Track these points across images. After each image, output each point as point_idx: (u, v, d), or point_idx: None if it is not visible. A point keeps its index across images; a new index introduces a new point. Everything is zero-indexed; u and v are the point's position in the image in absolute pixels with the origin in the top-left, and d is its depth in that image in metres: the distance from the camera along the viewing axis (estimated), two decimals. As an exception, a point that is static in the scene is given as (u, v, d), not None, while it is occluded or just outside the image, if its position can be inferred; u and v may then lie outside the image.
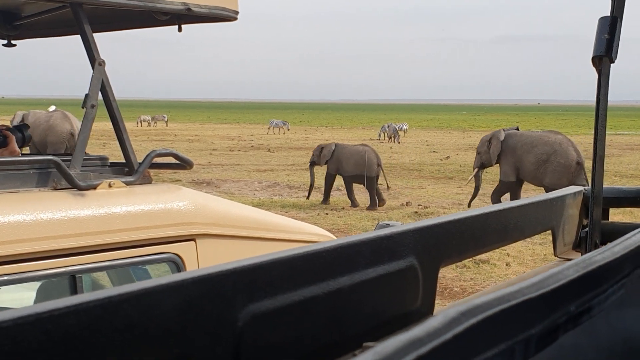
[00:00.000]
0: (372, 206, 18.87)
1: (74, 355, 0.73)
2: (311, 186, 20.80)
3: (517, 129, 19.32)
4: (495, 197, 18.29)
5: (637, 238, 1.19)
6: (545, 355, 0.89)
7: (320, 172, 20.97)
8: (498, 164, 18.57)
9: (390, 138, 47.15)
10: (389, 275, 1.14)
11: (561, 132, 19.06)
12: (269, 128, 61.07)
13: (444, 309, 0.70)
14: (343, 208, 18.88)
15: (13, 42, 4.33)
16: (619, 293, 1.12)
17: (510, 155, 18.04)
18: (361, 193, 20.08)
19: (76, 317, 0.73)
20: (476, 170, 19.23)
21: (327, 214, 17.82)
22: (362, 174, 19.34)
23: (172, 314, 0.84)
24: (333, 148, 20.11)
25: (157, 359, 0.84)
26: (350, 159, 19.58)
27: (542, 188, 17.84)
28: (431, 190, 22.51)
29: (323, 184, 20.34)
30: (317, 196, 21.12)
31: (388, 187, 20.71)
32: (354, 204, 19.48)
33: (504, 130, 18.93)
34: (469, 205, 18.68)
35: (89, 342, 0.74)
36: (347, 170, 19.78)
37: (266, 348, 0.95)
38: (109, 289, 0.78)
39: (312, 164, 20.86)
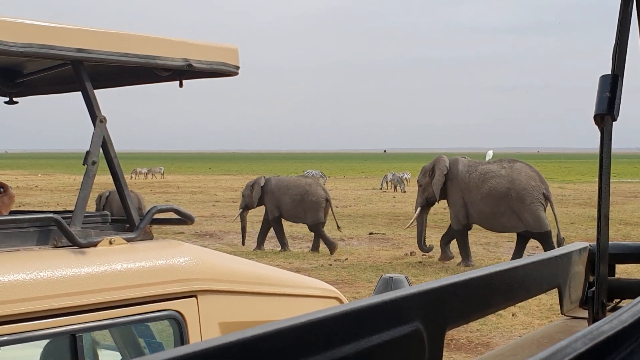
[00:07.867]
0: None
1: None
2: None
3: (279, 176, 22.53)
4: (273, 237, 20.67)
5: None
6: None
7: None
8: (259, 205, 21.08)
9: (395, 187, 47.18)
10: (394, 341, 1.12)
11: (309, 177, 22.75)
12: None
13: None
14: (347, 259, 18.80)
15: (15, 99, 4.34)
16: (626, 359, 1.11)
17: (271, 197, 20.84)
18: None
19: None
20: (241, 211, 21.71)
21: (330, 265, 17.73)
22: None
23: None
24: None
25: None
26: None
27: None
28: (435, 240, 22.37)
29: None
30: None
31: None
32: None
33: (264, 177, 21.66)
34: None
35: None
36: None
37: None
38: None
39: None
